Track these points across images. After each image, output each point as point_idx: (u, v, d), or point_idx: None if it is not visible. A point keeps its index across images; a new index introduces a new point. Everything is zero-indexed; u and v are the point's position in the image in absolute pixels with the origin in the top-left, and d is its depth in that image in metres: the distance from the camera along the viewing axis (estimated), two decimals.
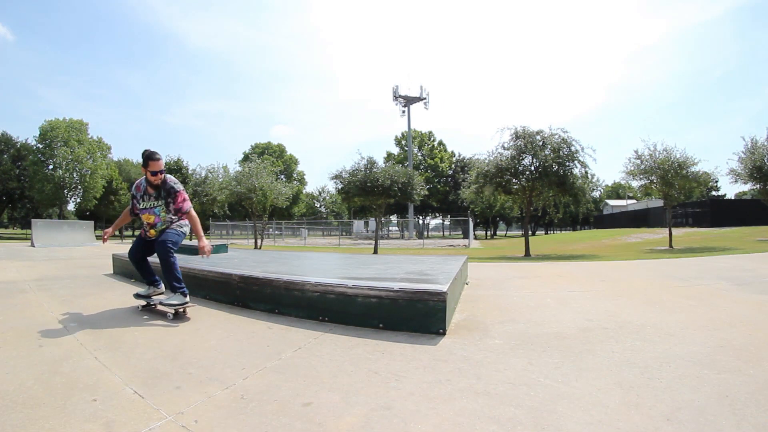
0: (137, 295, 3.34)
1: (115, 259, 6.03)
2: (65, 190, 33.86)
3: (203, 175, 21.52)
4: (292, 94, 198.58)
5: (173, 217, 3.24)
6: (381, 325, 2.63)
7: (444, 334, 2.50)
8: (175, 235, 3.17)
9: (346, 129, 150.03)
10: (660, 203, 17.47)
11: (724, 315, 2.94)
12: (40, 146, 33.09)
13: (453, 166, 51.37)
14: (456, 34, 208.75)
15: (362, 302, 2.72)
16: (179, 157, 30.35)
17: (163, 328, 2.73)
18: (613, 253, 10.48)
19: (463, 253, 10.78)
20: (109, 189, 38.06)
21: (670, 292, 3.97)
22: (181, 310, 3.10)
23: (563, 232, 59.62)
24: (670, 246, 11.43)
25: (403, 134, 51.22)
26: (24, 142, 38.15)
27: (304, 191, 56.53)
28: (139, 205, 3.22)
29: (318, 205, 61.35)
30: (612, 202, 55.32)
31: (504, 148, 11.76)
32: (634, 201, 45.04)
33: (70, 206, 39.54)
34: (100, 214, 40.49)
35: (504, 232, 70.60)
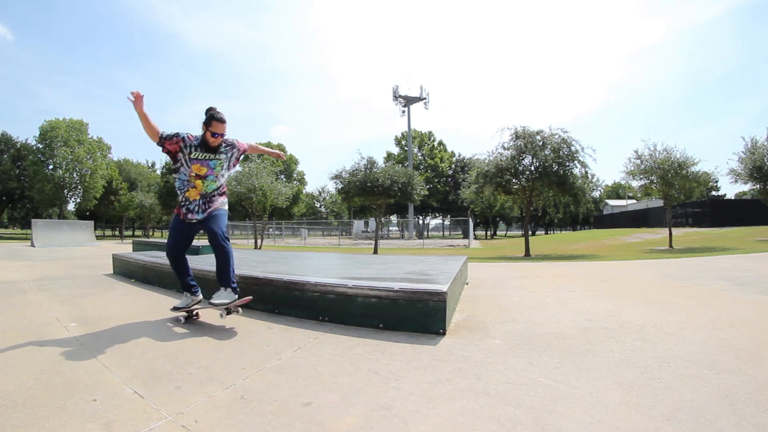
0: (175, 308, 2.93)
1: (115, 259, 6.03)
2: (65, 190, 33.87)
3: None
4: (292, 94, 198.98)
5: (225, 176, 2.98)
6: (381, 325, 2.63)
7: (444, 334, 2.50)
8: (226, 218, 2.95)
9: (346, 129, 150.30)
10: (660, 203, 17.45)
11: (724, 315, 2.94)
12: (40, 146, 33.11)
13: (453, 166, 51.38)
14: (456, 34, 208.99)
15: (362, 302, 2.72)
16: None
17: (164, 329, 2.73)
18: (613, 253, 10.48)
19: (463, 253, 10.77)
20: (109, 189, 38.06)
21: (670, 292, 3.97)
22: (232, 307, 2.88)
23: (563, 232, 59.59)
24: (670, 246, 11.43)
25: (403, 134, 51.23)
26: (24, 142, 38.21)
27: (304, 191, 56.52)
28: (191, 153, 2.81)
29: (318, 205, 61.37)
30: (612, 202, 55.34)
31: (504, 148, 11.77)
32: (634, 201, 45.00)
33: (70, 206, 39.55)
34: (100, 214, 40.51)
35: (504, 232, 70.58)
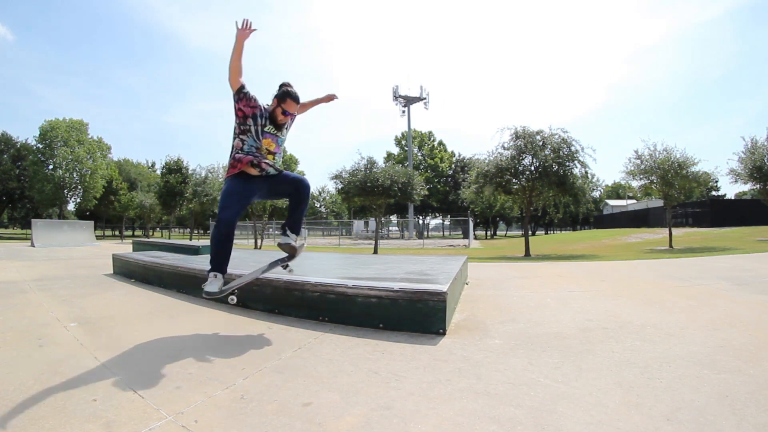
0: (207, 294, 2.51)
1: (115, 259, 6.02)
2: (65, 190, 33.88)
3: (203, 175, 21.49)
4: None
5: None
6: (381, 325, 2.63)
7: (444, 334, 2.50)
8: None
9: (346, 129, 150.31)
10: (660, 203, 17.47)
11: (724, 315, 2.94)
12: (40, 146, 33.13)
13: (453, 166, 51.40)
14: (456, 34, 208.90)
15: (362, 302, 2.72)
16: (179, 157, 30.31)
17: (163, 328, 2.73)
18: (613, 253, 10.48)
19: (463, 253, 10.78)
20: (109, 189, 38.07)
21: (670, 292, 3.97)
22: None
23: (563, 232, 59.60)
24: (670, 246, 11.44)
25: (403, 134, 51.26)
26: (24, 142, 38.22)
27: None
28: (265, 126, 2.65)
29: (318, 205, 61.32)
30: (612, 202, 55.38)
31: (504, 148, 11.79)
32: (634, 201, 45.03)
33: (70, 206, 39.58)
34: (100, 214, 40.53)
35: (504, 232, 70.58)
